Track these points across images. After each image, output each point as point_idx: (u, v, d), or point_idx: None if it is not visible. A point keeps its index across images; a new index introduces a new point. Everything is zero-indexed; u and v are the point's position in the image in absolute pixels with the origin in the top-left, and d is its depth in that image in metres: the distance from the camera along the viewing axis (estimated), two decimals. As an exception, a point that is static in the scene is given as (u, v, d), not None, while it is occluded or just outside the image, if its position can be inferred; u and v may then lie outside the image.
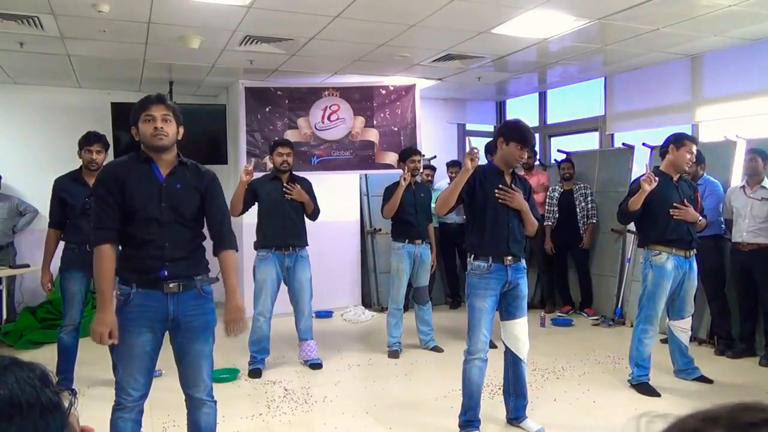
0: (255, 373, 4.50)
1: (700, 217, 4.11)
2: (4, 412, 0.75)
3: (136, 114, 2.58)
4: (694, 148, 4.06)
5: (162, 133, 2.51)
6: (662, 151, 4.17)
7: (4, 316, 5.51)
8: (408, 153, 5.12)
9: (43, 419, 0.78)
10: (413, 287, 5.17)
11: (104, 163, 4.19)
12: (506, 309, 3.39)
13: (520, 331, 3.39)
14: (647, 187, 3.83)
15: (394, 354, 4.98)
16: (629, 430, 0.60)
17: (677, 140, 4.05)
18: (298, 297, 4.69)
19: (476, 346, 3.30)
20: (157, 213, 2.49)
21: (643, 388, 4.04)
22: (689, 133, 4.27)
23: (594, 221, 6.35)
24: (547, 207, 6.53)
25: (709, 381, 4.17)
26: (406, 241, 5.04)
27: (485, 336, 3.30)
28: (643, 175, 3.98)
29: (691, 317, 4.23)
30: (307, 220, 4.81)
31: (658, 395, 3.96)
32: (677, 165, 4.05)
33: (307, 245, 4.78)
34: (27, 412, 0.77)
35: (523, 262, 3.40)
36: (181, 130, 2.62)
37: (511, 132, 3.32)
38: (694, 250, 4.13)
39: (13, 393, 0.77)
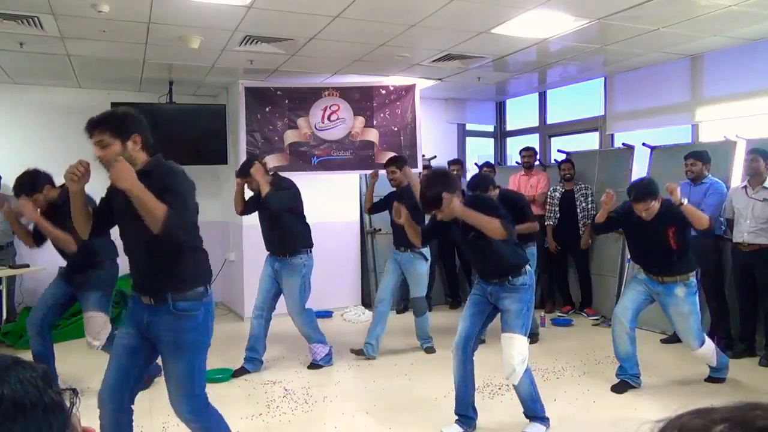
0: (239, 371, 4.52)
1: (682, 199, 3.84)
2: (8, 412, 0.75)
3: None
4: (638, 207, 3.84)
5: (103, 162, 2.39)
6: None
7: (4, 316, 5.51)
8: (386, 163, 5.06)
9: (46, 419, 0.78)
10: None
11: (50, 193, 4.02)
12: (501, 323, 3.40)
13: (505, 345, 3.30)
14: (604, 205, 4.01)
15: (357, 352, 4.97)
16: None
17: (628, 197, 3.95)
18: (286, 302, 4.65)
19: (454, 341, 3.46)
20: (125, 224, 2.50)
21: (616, 385, 4.10)
22: (635, 191, 3.90)
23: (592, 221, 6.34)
24: (548, 207, 6.53)
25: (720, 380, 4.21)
26: (394, 246, 5.08)
27: (461, 332, 3.42)
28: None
29: (702, 350, 4.03)
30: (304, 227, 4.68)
31: (619, 392, 4.03)
32: None
33: (299, 253, 4.58)
34: (30, 411, 0.77)
35: (516, 279, 3.31)
36: (136, 139, 2.40)
37: None
38: (677, 277, 3.96)
39: (17, 393, 0.77)
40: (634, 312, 4.12)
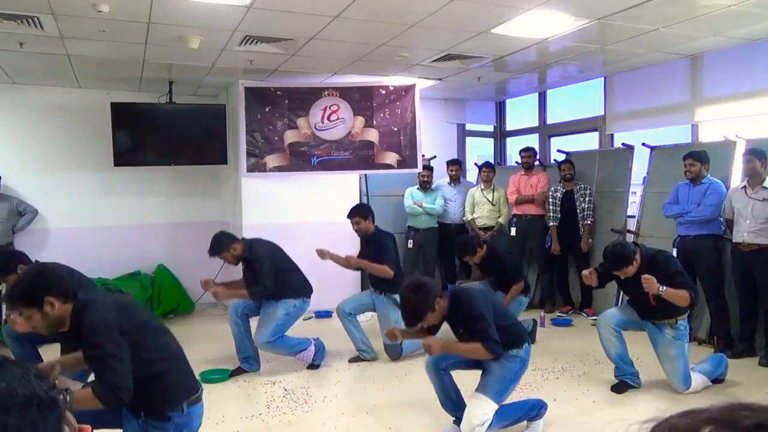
0: (237, 371, 4.51)
1: (662, 288, 3.67)
2: (2, 405, 0.76)
3: None
4: (620, 273, 3.83)
5: (38, 330, 2.34)
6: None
7: (4, 317, 5.51)
8: (349, 213, 4.94)
9: (41, 413, 0.79)
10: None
11: None
12: (479, 380, 3.30)
13: (472, 405, 3.18)
14: (588, 281, 4.10)
15: (355, 359, 4.90)
16: None
17: (604, 260, 3.95)
18: (257, 327, 4.50)
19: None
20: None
21: (616, 385, 4.12)
22: (611, 259, 3.87)
23: (589, 222, 6.31)
24: (550, 207, 6.52)
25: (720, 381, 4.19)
26: (370, 284, 5.05)
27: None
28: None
29: (691, 390, 3.96)
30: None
31: (618, 392, 4.03)
32: None
33: (292, 297, 4.53)
34: (25, 404, 0.78)
35: (509, 351, 3.21)
36: (50, 301, 2.24)
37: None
38: (665, 321, 3.93)
39: (10, 386, 0.78)
40: (621, 320, 4.10)
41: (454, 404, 3.41)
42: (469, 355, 3.21)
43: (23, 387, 0.79)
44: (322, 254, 4.78)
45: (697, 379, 4.01)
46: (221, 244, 4.44)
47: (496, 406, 3.17)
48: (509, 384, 3.24)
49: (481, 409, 3.14)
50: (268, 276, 4.35)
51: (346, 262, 4.89)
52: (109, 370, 2.17)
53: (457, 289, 3.28)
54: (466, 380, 3.44)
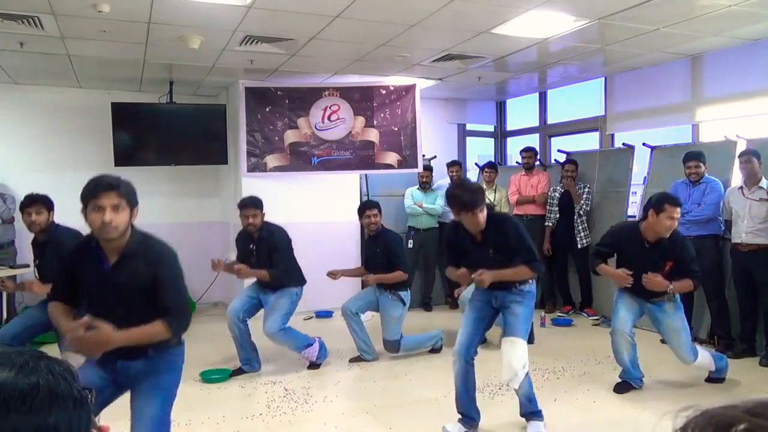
0: (237, 372, 4.51)
1: (670, 285, 3.78)
2: (44, 401, 0.75)
3: (85, 198, 2.28)
4: (677, 212, 3.79)
5: (110, 227, 2.24)
6: (645, 210, 4.02)
7: (5, 316, 5.51)
8: (362, 209, 4.97)
9: (76, 412, 0.78)
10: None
11: (49, 221, 3.98)
12: (503, 326, 3.45)
13: (508, 349, 3.31)
14: (619, 285, 4.02)
15: (356, 359, 4.89)
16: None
17: (658, 204, 3.80)
18: (265, 320, 4.50)
19: (454, 347, 3.46)
20: (102, 301, 2.36)
21: (618, 385, 4.11)
22: (672, 195, 3.94)
23: (583, 210, 6.31)
24: (548, 207, 6.52)
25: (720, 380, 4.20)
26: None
27: (463, 338, 3.42)
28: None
29: (698, 362, 4.00)
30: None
31: (620, 393, 4.03)
32: (655, 231, 3.85)
33: (293, 286, 4.61)
34: (63, 403, 0.77)
35: (523, 286, 3.37)
36: (136, 211, 2.36)
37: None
38: (664, 296, 3.92)
39: (51, 383, 0.77)
40: (632, 322, 4.10)
41: (467, 402, 3.42)
42: (515, 278, 3.34)
43: (60, 384, 0.77)
44: (334, 275, 4.95)
45: (703, 353, 4.07)
46: (259, 202, 4.55)
47: (526, 344, 3.37)
48: (531, 320, 3.49)
49: (518, 352, 3.30)
50: (287, 262, 4.54)
51: (359, 273, 5.16)
52: (183, 307, 2.40)
53: (499, 213, 3.47)
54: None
